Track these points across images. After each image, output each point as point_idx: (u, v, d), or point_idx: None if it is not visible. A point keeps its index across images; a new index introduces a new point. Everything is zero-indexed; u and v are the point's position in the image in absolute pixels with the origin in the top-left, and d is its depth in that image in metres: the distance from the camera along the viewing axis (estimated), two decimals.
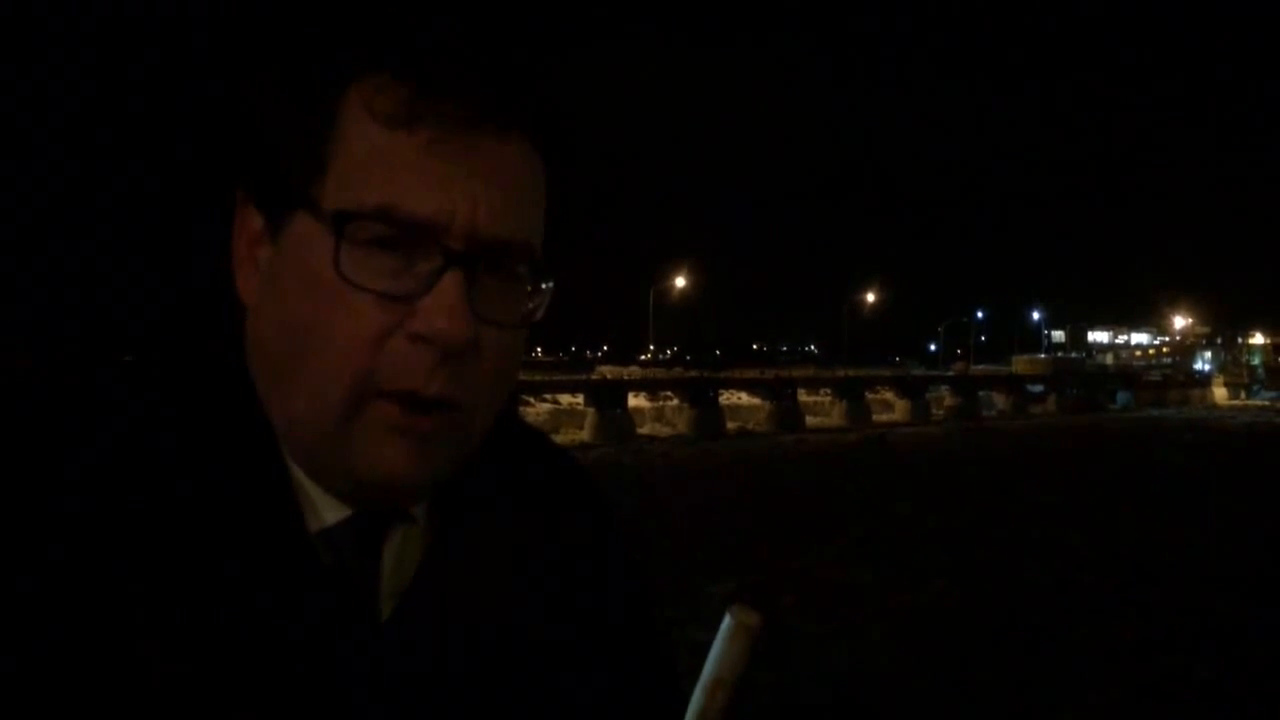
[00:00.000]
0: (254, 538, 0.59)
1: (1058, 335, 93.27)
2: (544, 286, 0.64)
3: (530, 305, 0.64)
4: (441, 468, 0.62)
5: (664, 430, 21.58)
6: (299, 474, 0.63)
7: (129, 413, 0.60)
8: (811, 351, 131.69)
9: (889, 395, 27.86)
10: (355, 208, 0.57)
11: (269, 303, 0.61)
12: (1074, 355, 72.57)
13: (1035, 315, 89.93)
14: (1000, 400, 30.82)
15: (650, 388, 24.02)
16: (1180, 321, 78.55)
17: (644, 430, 20.93)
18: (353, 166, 0.58)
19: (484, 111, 0.59)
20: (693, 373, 28.83)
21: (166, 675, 0.54)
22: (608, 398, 20.23)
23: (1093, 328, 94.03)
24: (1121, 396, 36.09)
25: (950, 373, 37.91)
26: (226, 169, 0.62)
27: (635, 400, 22.22)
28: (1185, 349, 72.12)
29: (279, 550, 0.60)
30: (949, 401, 28.49)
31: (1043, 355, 61.92)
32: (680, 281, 54.57)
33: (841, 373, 31.90)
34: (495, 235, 0.59)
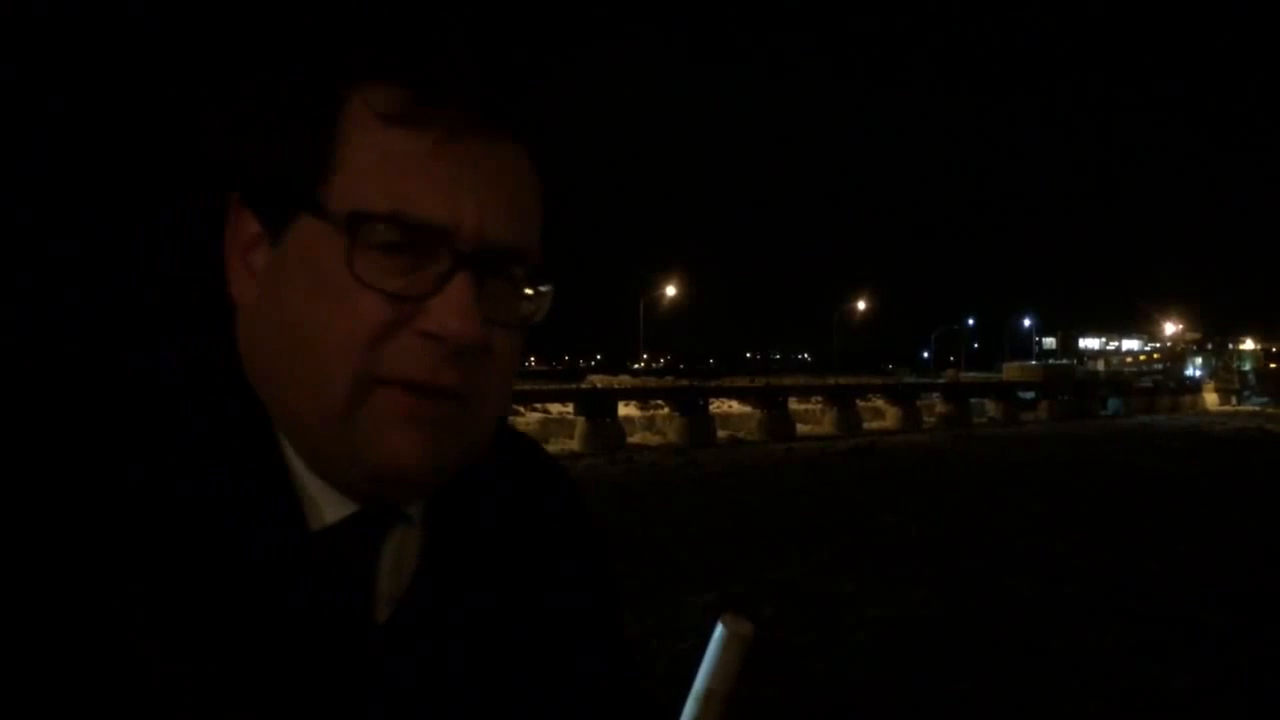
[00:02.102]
0: (254, 536, 0.59)
1: (1049, 342, 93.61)
2: (542, 290, 0.65)
3: (530, 308, 0.65)
4: (449, 458, 0.63)
5: (654, 439, 21.53)
6: (300, 471, 0.63)
7: (126, 412, 0.60)
8: (805, 360, 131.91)
9: (880, 403, 27.85)
10: (362, 209, 0.58)
11: (269, 303, 0.61)
12: (1065, 362, 72.82)
13: (1027, 322, 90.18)
14: (991, 407, 30.83)
15: (640, 396, 24.00)
16: (1171, 328, 78.77)
17: (634, 439, 20.88)
18: (359, 170, 0.59)
19: (487, 115, 0.60)
20: (683, 381, 28.79)
21: (165, 675, 0.54)
22: (597, 407, 20.20)
23: (1084, 334, 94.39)
24: (1112, 403, 36.14)
25: (941, 380, 37.90)
26: (214, 172, 0.62)
27: (626, 409, 22.19)
28: (1176, 355, 72.37)
29: (278, 549, 0.60)
30: (940, 409, 28.47)
31: (1034, 362, 62.04)
32: (671, 290, 54.62)
33: (832, 380, 31.90)
34: (500, 239, 0.61)
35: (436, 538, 0.68)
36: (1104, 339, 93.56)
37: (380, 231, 0.58)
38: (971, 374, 53.45)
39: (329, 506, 0.63)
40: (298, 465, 0.63)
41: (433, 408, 0.60)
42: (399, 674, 0.63)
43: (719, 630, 0.73)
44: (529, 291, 0.65)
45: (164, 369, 0.64)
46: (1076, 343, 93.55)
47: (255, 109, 0.61)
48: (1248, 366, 60.03)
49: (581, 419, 19.96)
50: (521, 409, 21.44)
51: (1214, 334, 77.95)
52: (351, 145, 0.59)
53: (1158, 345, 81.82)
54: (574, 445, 19.38)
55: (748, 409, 24.23)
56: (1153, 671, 4.91)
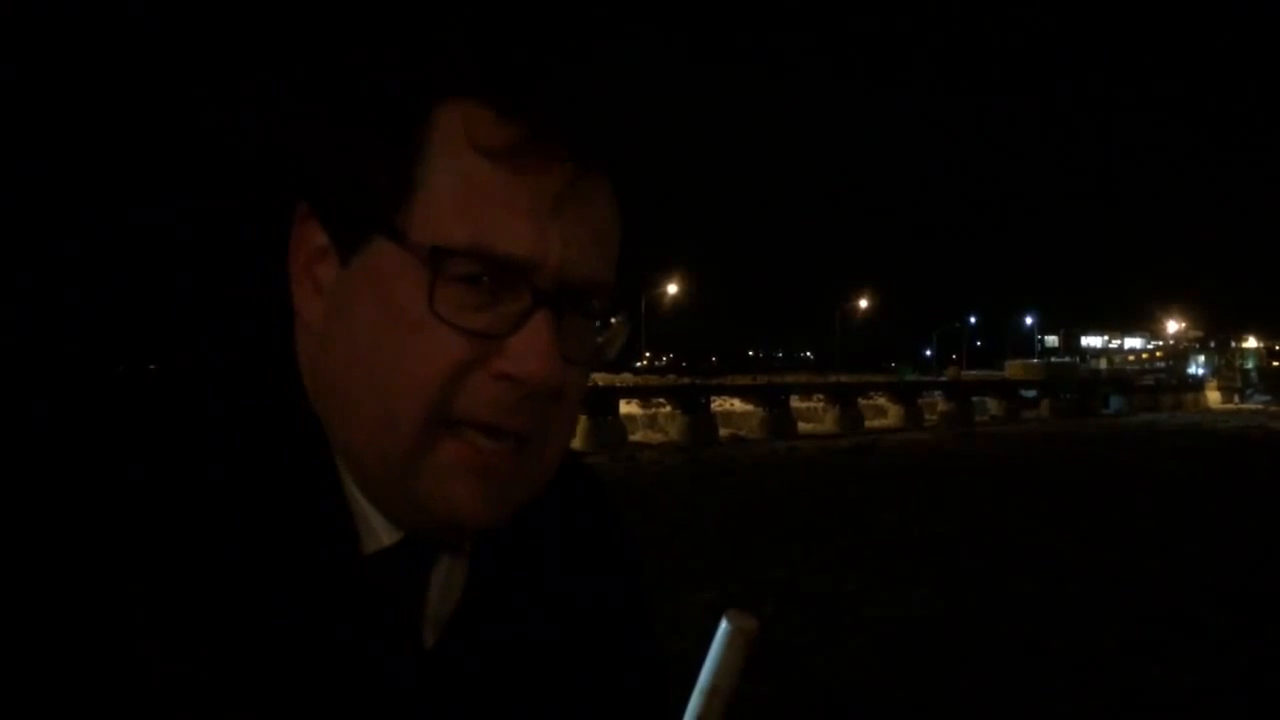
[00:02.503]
0: (309, 557, 0.58)
1: (1051, 340, 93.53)
2: (615, 320, 0.63)
3: (601, 340, 0.63)
4: (511, 507, 0.62)
5: (656, 437, 21.54)
6: (356, 494, 0.61)
7: (186, 426, 0.58)
8: (808, 358, 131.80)
9: (882, 401, 27.83)
10: (447, 243, 0.55)
11: (337, 326, 0.59)
12: (1067, 360, 72.74)
13: (1029, 320, 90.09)
14: (993, 405, 30.80)
15: (642, 394, 23.99)
16: (1174, 326, 78.72)
17: (636, 437, 20.89)
18: (440, 194, 0.56)
19: (580, 149, 0.57)
20: (685, 379, 28.77)
21: (211, 691, 0.53)
22: (599, 404, 20.20)
23: (1086, 332, 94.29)
24: (1115, 401, 36.09)
25: (943, 378, 37.86)
26: (285, 182, 0.60)
27: (628, 407, 22.19)
28: (1179, 353, 72.33)
29: (332, 571, 0.59)
30: (942, 407, 28.45)
31: (1036, 360, 61.99)
32: (672, 288, 54.59)
33: (834, 379, 31.88)
34: (582, 275, 0.58)
35: (484, 563, 0.67)
36: (1106, 337, 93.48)
37: (461, 265, 0.56)
38: (973, 372, 53.41)
39: (381, 530, 0.62)
40: (350, 486, 0.61)
41: (498, 454, 0.59)
42: (445, 698, 0.62)
43: (723, 626, 0.74)
44: (599, 323, 0.63)
45: (216, 371, 0.63)
46: (1079, 341, 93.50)
47: (338, 119, 0.59)
48: (1250, 364, 59.96)
49: (583, 417, 19.95)
50: None
51: (1216, 332, 77.97)
52: (434, 167, 0.56)
53: (1160, 343, 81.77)
54: (576, 443, 19.25)
55: (749, 407, 24.22)
56: (1153, 672, 4.90)
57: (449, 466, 0.58)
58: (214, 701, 0.53)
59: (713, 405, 23.15)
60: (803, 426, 23.89)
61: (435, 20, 0.59)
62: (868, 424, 25.16)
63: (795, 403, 25.05)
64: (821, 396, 26.37)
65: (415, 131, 0.57)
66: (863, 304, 70.51)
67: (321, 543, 0.59)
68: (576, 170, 0.58)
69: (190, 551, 0.54)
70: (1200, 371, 60.17)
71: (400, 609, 0.62)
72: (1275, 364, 60.30)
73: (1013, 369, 47.66)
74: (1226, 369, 57.72)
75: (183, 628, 0.53)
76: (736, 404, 24.88)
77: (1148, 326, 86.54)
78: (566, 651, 0.70)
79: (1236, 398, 47.10)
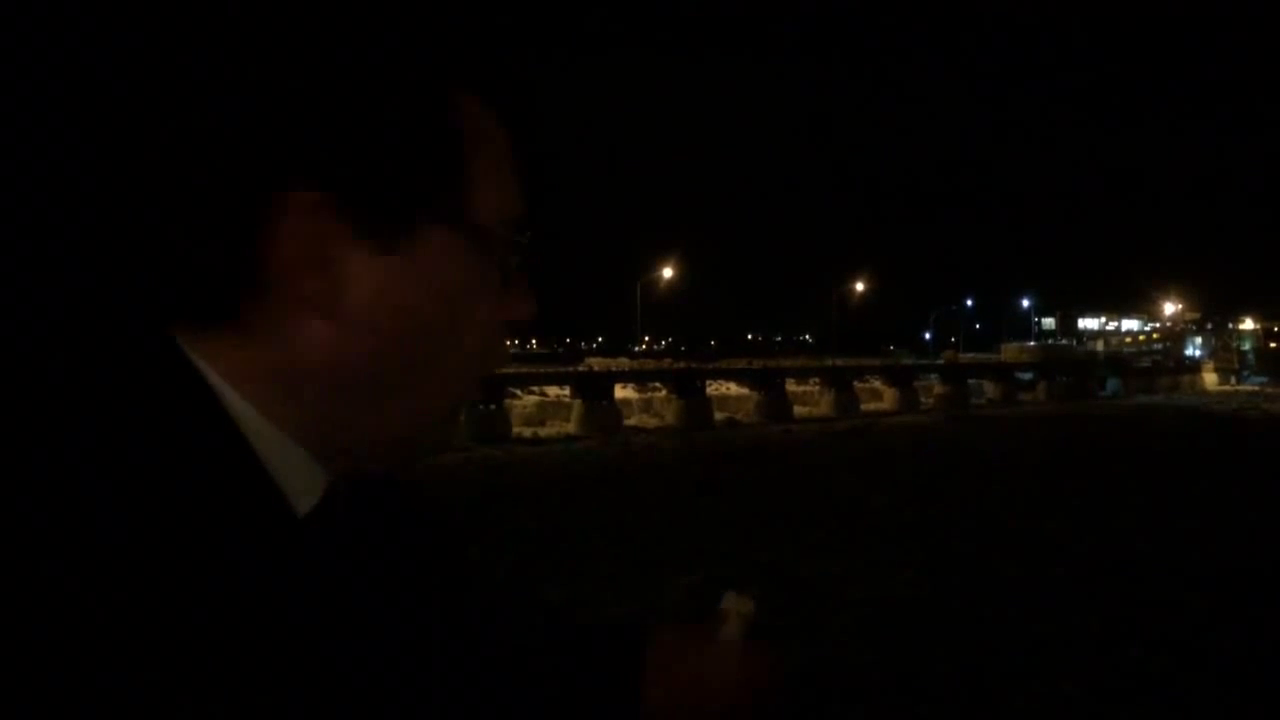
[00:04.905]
0: (246, 541, 0.55)
1: (1048, 322, 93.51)
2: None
3: None
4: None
5: (652, 421, 21.57)
6: (273, 454, 0.58)
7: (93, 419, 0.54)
8: (807, 341, 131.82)
9: (878, 384, 27.86)
10: (489, 221, 0.61)
11: (383, 317, 0.59)
12: (1064, 342, 72.76)
13: (1026, 303, 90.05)
14: (990, 388, 30.84)
15: (638, 379, 24.02)
16: (1170, 308, 78.63)
17: (631, 421, 20.92)
18: (476, 178, 0.61)
19: (503, 96, 0.63)
20: (681, 364, 28.78)
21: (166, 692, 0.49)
22: (594, 389, 20.23)
23: (1083, 315, 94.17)
24: (1111, 383, 36.12)
25: (939, 361, 37.84)
26: (299, 167, 0.57)
27: (623, 392, 22.22)
28: (1176, 335, 72.28)
29: (274, 546, 0.56)
30: (938, 390, 28.48)
31: (1032, 343, 61.99)
32: (668, 273, 54.51)
33: (830, 362, 31.90)
34: (517, 218, 0.65)
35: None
36: (1103, 319, 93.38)
37: (498, 241, 0.62)
38: (970, 355, 53.40)
39: (302, 483, 0.60)
40: (271, 445, 0.59)
41: None
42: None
43: (721, 608, 0.77)
44: None
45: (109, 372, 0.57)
46: (1075, 323, 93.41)
47: (373, 111, 0.59)
48: (1247, 346, 59.99)
49: (578, 401, 19.99)
50: (519, 391, 21.46)
51: (1213, 314, 77.91)
52: (471, 152, 0.61)
53: (1157, 325, 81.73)
54: (570, 428, 19.41)
55: (745, 391, 24.26)
56: (1131, 654, 4.94)
57: (455, 417, 0.66)
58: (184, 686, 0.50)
59: (708, 389, 23.18)
60: (798, 410, 23.92)
61: (447, 19, 0.63)
62: (863, 407, 25.19)
63: (791, 386, 25.08)
64: (817, 380, 26.40)
65: (451, 116, 0.61)
66: (861, 287, 70.44)
67: (256, 523, 0.56)
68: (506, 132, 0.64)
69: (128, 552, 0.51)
70: (1197, 353, 60.18)
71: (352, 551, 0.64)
72: (1272, 345, 60.30)
73: (1009, 352, 47.63)
74: (1223, 350, 57.72)
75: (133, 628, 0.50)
76: (732, 388, 24.91)
77: (1145, 308, 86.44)
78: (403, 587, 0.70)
79: (1233, 379, 47.16)
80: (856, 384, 26.43)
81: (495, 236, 0.62)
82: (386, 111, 0.59)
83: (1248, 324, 67.71)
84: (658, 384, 23.26)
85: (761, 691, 0.84)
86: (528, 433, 18.92)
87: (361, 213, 0.59)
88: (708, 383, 23.56)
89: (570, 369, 25.75)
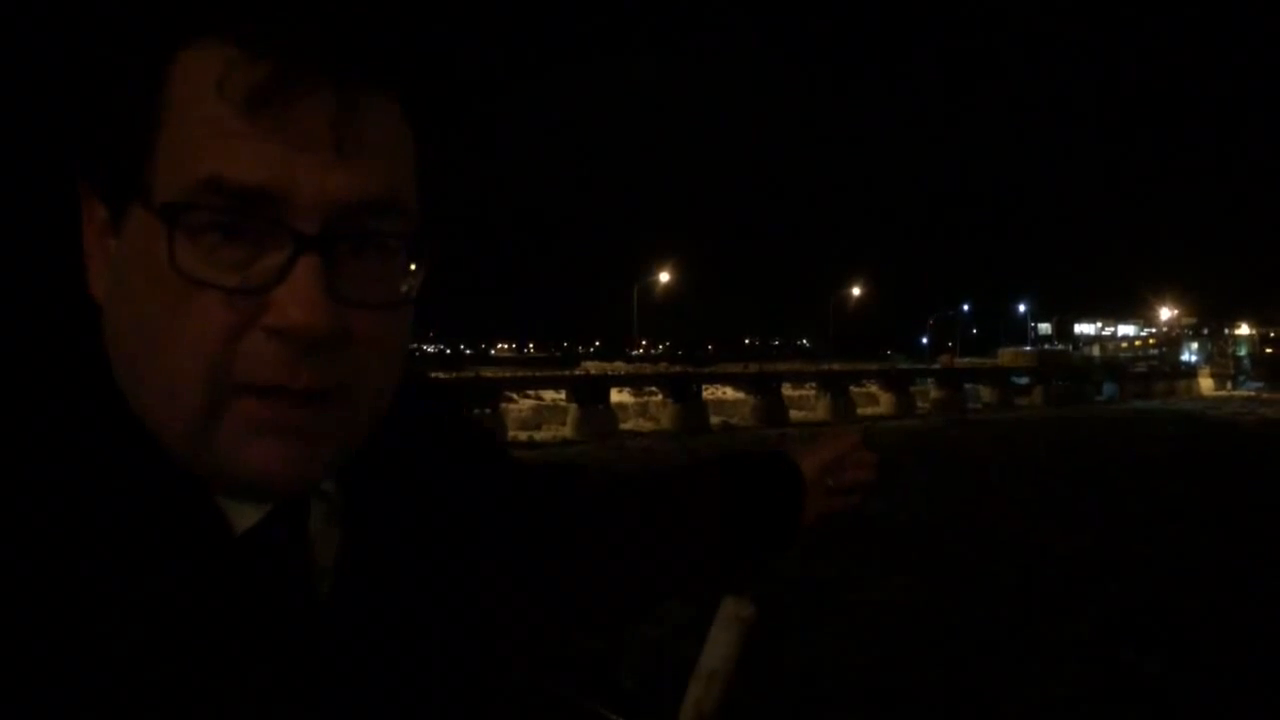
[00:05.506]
0: (182, 557, 0.55)
1: (1045, 327, 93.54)
2: (412, 268, 0.58)
3: (411, 283, 0.58)
4: (323, 462, 0.58)
5: (647, 425, 21.55)
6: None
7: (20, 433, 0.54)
8: (804, 346, 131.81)
9: (874, 389, 27.87)
10: (183, 188, 0.52)
11: (119, 300, 0.56)
12: (1060, 347, 72.76)
13: (1022, 308, 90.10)
14: (986, 393, 30.85)
15: (634, 383, 23.98)
16: (1167, 313, 78.67)
17: (627, 425, 20.90)
18: (182, 143, 0.52)
19: (325, 66, 0.52)
20: (677, 368, 28.76)
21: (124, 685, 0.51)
22: (590, 393, 20.20)
23: (1079, 320, 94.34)
24: (1108, 388, 36.15)
25: (935, 366, 37.87)
26: (68, 155, 0.57)
27: (620, 396, 22.19)
28: (1172, 340, 72.33)
29: (209, 567, 0.56)
30: (934, 395, 28.50)
31: (1028, 348, 62.03)
32: (665, 277, 54.46)
33: (826, 366, 31.91)
34: (356, 199, 0.54)
35: (354, 497, 0.65)
36: (1100, 324, 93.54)
37: (203, 214, 0.52)
38: (967, 360, 53.43)
39: (249, 505, 0.59)
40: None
41: (294, 413, 0.55)
42: (353, 644, 0.61)
43: (721, 612, 0.77)
44: (411, 265, 0.58)
45: (39, 381, 0.58)
46: (1072, 328, 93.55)
47: (83, 77, 0.56)
48: (1243, 351, 60.13)
49: (574, 406, 19.96)
50: (514, 395, 21.45)
51: (1210, 319, 77.97)
52: (178, 115, 0.53)
53: (1153, 330, 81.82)
54: (567, 432, 19.39)
55: (741, 395, 24.24)
56: (1123, 657, 4.94)
57: (242, 431, 0.55)
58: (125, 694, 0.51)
59: (704, 393, 23.15)
60: (795, 414, 23.92)
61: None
62: (860, 412, 25.20)
63: (787, 391, 25.06)
64: (814, 384, 26.39)
65: (155, 80, 0.54)
66: (857, 292, 70.45)
67: (190, 540, 0.56)
68: (343, 98, 0.53)
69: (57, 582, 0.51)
70: (1193, 358, 60.21)
71: (289, 574, 0.60)
72: (1268, 350, 60.45)
73: (1005, 356, 47.61)
74: (1219, 356, 57.84)
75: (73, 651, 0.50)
76: (728, 392, 24.90)
77: (1141, 313, 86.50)
78: (459, 558, 0.70)
79: (1229, 384, 47.21)
80: (853, 388, 26.42)
81: (185, 210, 0.52)
82: (94, 76, 0.56)
83: (1243, 329, 67.80)
84: (654, 388, 23.23)
85: (870, 481, 1.03)
86: (523, 437, 18.91)
87: (102, 191, 0.58)
88: (704, 387, 23.52)
89: (566, 373, 25.72)
